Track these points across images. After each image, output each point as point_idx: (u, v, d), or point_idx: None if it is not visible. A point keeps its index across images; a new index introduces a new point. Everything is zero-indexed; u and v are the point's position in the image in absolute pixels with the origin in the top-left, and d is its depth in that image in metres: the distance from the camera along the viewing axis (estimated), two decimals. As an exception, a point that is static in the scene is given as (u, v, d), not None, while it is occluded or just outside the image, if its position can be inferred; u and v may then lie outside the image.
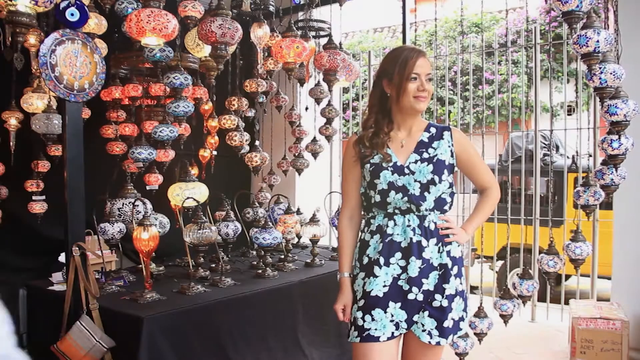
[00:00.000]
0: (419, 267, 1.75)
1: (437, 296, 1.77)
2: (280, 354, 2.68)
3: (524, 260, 4.91)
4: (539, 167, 4.85)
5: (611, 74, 2.13)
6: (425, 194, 1.77)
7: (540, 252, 2.84)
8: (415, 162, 1.79)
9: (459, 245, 1.84)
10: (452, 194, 1.84)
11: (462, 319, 1.82)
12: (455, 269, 1.81)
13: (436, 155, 1.80)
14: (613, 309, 3.56)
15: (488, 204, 1.95)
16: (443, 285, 1.77)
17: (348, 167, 1.90)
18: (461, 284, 1.82)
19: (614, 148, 2.24)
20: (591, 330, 3.41)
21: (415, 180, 1.77)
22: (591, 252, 2.47)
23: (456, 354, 2.55)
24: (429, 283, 1.76)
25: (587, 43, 2.06)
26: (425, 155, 1.80)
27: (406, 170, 1.78)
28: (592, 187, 2.40)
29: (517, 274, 2.64)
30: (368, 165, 1.82)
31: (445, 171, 1.80)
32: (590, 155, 4.34)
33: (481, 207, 1.95)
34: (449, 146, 1.83)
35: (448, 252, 1.80)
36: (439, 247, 1.78)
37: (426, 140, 1.83)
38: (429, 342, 1.76)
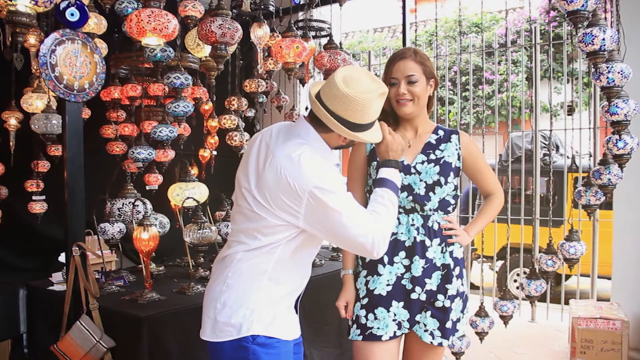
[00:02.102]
0: (422, 267, 1.76)
1: (440, 296, 1.78)
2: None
3: (524, 260, 4.92)
4: (539, 167, 4.85)
5: (619, 73, 2.11)
6: (430, 194, 1.78)
7: (540, 252, 2.84)
8: (422, 162, 1.81)
9: (460, 247, 1.85)
10: (456, 197, 1.85)
11: (459, 320, 1.83)
12: (457, 269, 1.82)
13: (443, 157, 1.81)
14: (613, 309, 3.56)
15: (491, 208, 1.96)
16: (445, 286, 1.78)
17: (355, 164, 1.91)
18: (462, 285, 1.83)
19: (619, 148, 2.24)
20: (591, 330, 3.41)
21: (420, 180, 1.78)
22: (585, 252, 2.46)
23: (452, 353, 2.56)
24: (431, 283, 1.77)
25: (592, 41, 2.04)
26: (432, 156, 1.81)
27: (412, 170, 1.79)
28: (593, 187, 2.39)
29: (519, 274, 2.63)
30: (375, 162, 1.83)
31: (451, 174, 1.81)
32: (591, 155, 4.34)
33: (484, 211, 1.97)
34: (457, 149, 1.84)
35: (451, 253, 1.81)
36: (442, 247, 1.79)
37: (434, 142, 1.84)
38: (431, 342, 1.76)
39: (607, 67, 2.12)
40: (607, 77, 2.13)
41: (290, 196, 1.41)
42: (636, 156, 2.34)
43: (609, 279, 4.13)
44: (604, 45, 2.04)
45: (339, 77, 1.45)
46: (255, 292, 1.51)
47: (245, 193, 1.50)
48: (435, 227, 1.79)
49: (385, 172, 1.60)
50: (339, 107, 1.44)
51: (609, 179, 2.32)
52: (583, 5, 1.98)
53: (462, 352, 2.54)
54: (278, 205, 1.43)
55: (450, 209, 1.83)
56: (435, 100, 1.97)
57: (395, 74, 1.77)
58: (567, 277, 5.68)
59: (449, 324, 1.78)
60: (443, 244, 1.79)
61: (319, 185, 1.39)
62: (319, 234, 1.49)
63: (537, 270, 2.58)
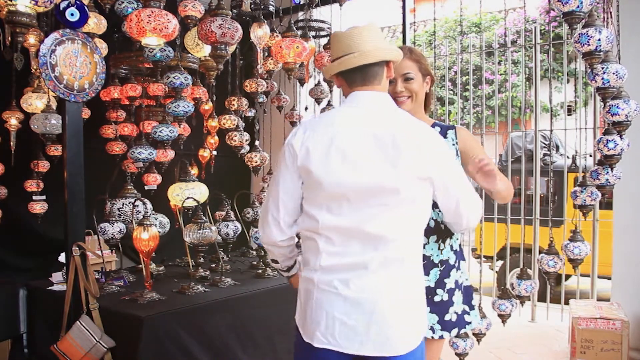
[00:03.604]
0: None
1: (439, 291, 1.78)
2: (281, 353, 2.68)
3: (524, 260, 4.92)
4: (539, 167, 4.85)
5: (614, 74, 2.12)
6: None
7: (540, 252, 2.84)
8: None
9: (457, 239, 1.84)
10: None
11: (466, 312, 1.81)
12: (457, 262, 1.82)
13: None
14: (613, 309, 3.56)
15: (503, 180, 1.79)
16: (444, 280, 1.78)
17: None
18: (461, 276, 1.82)
19: (609, 148, 2.24)
20: (591, 330, 3.41)
21: None
22: (590, 252, 2.46)
23: (456, 354, 2.55)
24: (429, 280, 1.77)
25: (588, 42, 2.05)
26: None
27: None
28: (589, 187, 2.39)
29: (516, 275, 2.64)
30: None
31: None
32: (590, 155, 4.34)
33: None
34: (453, 144, 1.83)
35: (451, 246, 1.80)
36: (439, 245, 1.78)
37: None
38: (432, 337, 1.77)
39: (602, 68, 2.13)
40: (603, 78, 2.13)
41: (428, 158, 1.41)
42: (636, 156, 2.34)
43: (609, 279, 4.13)
44: (600, 45, 2.05)
45: (344, 32, 1.47)
46: (420, 283, 1.51)
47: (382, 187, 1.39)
48: (432, 224, 1.77)
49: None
50: (370, 41, 1.45)
51: (607, 179, 2.32)
52: (578, 7, 1.99)
53: (466, 353, 2.53)
54: (418, 175, 1.40)
55: None
56: (432, 99, 1.93)
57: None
58: (567, 277, 5.68)
59: (448, 317, 1.78)
60: (440, 241, 1.78)
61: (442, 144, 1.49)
62: (450, 185, 1.47)
63: (527, 271, 2.58)
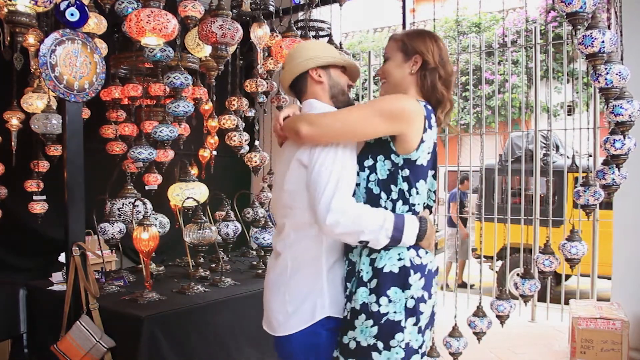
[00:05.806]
0: (346, 269, 1.53)
1: (347, 305, 1.48)
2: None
3: (524, 260, 4.92)
4: (539, 167, 4.85)
5: (617, 74, 2.13)
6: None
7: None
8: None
9: (399, 259, 1.44)
10: (380, 182, 1.48)
11: (375, 349, 1.40)
12: (375, 282, 1.43)
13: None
14: (613, 309, 3.56)
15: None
16: (353, 296, 1.46)
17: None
18: (381, 305, 1.41)
19: (616, 148, 2.24)
20: (591, 330, 3.41)
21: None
22: (587, 252, 2.46)
23: (450, 353, 2.54)
24: (349, 287, 1.50)
25: (592, 43, 2.06)
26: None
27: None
28: (592, 187, 2.39)
29: (518, 274, 2.63)
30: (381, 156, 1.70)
31: (380, 156, 1.48)
32: (590, 155, 4.34)
33: None
34: None
35: (372, 261, 1.46)
36: (361, 252, 1.49)
37: None
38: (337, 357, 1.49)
39: (606, 69, 2.13)
40: (606, 79, 2.14)
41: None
42: (636, 157, 2.34)
43: (609, 279, 4.13)
44: (604, 47, 2.05)
45: (289, 53, 1.72)
46: (298, 276, 1.53)
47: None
48: None
49: (409, 225, 1.43)
50: (287, 68, 1.67)
51: (613, 179, 2.32)
52: (582, 7, 1.99)
53: (459, 353, 2.53)
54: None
55: (380, 202, 1.48)
56: (427, 81, 1.52)
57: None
58: (567, 277, 5.68)
59: (347, 340, 1.44)
60: (362, 248, 1.49)
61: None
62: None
63: (530, 270, 2.58)
